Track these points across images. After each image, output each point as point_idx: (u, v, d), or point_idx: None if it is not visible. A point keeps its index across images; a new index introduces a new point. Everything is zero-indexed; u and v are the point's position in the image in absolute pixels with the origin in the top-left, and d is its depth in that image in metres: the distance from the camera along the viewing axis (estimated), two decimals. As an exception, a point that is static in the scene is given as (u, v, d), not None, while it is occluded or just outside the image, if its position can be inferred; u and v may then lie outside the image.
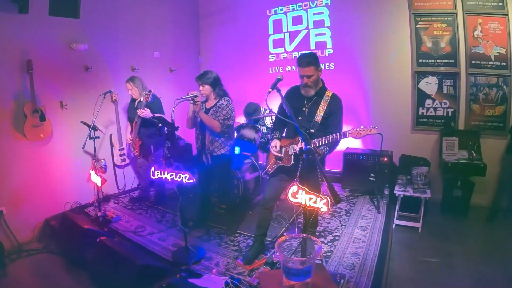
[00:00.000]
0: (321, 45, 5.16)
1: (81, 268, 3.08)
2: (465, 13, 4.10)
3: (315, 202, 1.80)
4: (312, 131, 2.55)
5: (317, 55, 5.01)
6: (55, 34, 3.93)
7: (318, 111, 2.58)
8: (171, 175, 2.66)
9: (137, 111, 3.77)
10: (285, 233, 3.40)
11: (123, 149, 4.62)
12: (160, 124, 3.03)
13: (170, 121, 2.89)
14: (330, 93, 2.64)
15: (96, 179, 3.70)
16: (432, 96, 4.46)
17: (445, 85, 4.36)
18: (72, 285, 2.96)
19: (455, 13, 4.18)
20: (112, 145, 4.62)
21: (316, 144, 2.41)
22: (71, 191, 4.21)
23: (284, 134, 2.88)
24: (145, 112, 3.73)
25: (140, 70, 4.95)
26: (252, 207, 4.06)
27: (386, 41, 4.67)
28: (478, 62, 4.15)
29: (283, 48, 5.52)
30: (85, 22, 4.17)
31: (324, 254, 2.96)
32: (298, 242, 1.96)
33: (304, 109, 2.66)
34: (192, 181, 2.58)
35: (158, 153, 4.06)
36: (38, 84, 3.69)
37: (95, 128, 3.76)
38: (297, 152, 2.48)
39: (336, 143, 2.54)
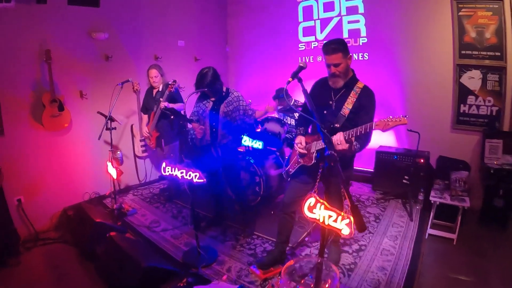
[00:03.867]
0: (354, 34, 4.67)
1: (92, 261, 2.94)
2: (514, 0, 3.50)
3: (335, 220, 1.44)
4: (337, 125, 2.17)
5: (350, 43, 4.70)
6: (74, 23, 3.77)
7: (346, 104, 2.19)
8: (181, 172, 2.39)
9: (161, 103, 3.54)
10: (306, 238, 3.05)
11: (144, 139, 4.42)
12: (172, 117, 2.75)
13: (183, 113, 2.60)
14: (362, 85, 2.24)
15: (112, 171, 3.53)
16: (475, 92, 3.89)
17: (489, 80, 3.78)
18: (82, 278, 2.83)
19: (502, 0, 3.57)
20: (133, 135, 4.43)
21: (345, 137, 2.01)
22: (91, 182, 4.09)
23: (310, 130, 2.53)
24: (166, 104, 3.50)
25: (163, 59, 4.73)
26: (274, 206, 3.73)
27: (425, 30, 4.12)
28: (527, 56, 3.56)
29: (314, 36, 5.07)
30: (105, 10, 3.98)
31: (347, 266, 2.60)
32: (311, 267, 1.60)
33: (330, 102, 2.28)
34: (202, 181, 2.29)
35: (174, 144, 3.83)
36: (57, 74, 3.57)
37: (111, 119, 3.56)
38: (322, 152, 2.13)
39: (366, 139, 2.15)
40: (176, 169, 2.41)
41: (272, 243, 2.95)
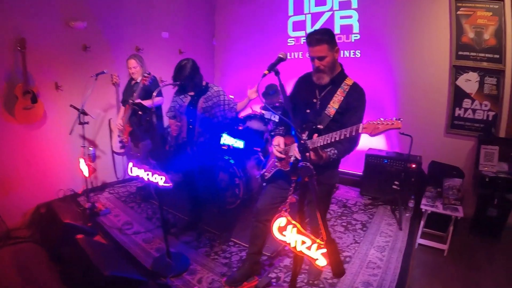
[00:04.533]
0: (346, 29, 4.40)
1: (59, 264, 2.68)
2: (515, 1, 3.29)
3: (309, 248, 1.18)
4: (320, 126, 1.87)
5: (341, 40, 4.41)
6: (51, 11, 3.46)
7: (331, 103, 1.91)
8: (147, 174, 2.13)
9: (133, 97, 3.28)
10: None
11: (121, 134, 4.14)
12: (140, 112, 2.46)
13: (152, 108, 2.31)
14: (351, 82, 1.97)
15: (84, 168, 3.26)
16: (472, 96, 3.65)
17: (487, 83, 3.54)
18: (50, 282, 2.58)
19: (503, 1, 3.34)
20: (111, 130, 4.14)
21: (319, 143, 1.74)
22: (66, 178, 3.80)
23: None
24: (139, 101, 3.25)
25: (145, 51, 4.42)
26: None
27: (421, 28, 3.87)
28: (526, 60, 3.34)
29: (304, 31, 4.80)
30: (85, -2, 3.68)
31: (330, 281, 2.36)
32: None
33: (315, 100, 2.00)
34: (168, 185, 2.03)
35: (147, 142, 3.56)
36: (31, 64, 3.29)
37: (84, 113, 3.28)
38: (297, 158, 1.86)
39: (351, 145, 1.89)
40: (143, 170, 2.15)
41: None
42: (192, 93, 2.71)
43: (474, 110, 3.67)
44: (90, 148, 3.35)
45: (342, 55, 4.36)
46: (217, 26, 5.84)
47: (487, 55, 3.50)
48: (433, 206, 3.14)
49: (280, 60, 1.68)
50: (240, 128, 3.82)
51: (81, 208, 3.45)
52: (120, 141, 3.96)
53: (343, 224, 3.31)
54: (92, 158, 3.37)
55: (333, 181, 2.16)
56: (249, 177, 3.44)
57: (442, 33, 3.73)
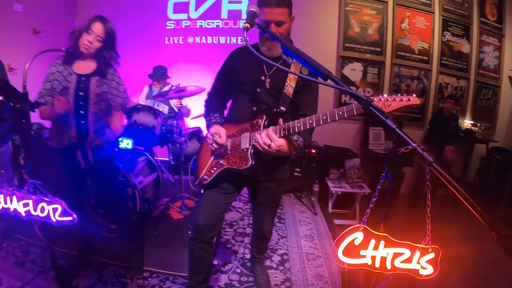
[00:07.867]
0: (235, 15, 4.04)
1: None
2: (396, 4, 3.85)
3: (409, 260, 0.84)
4: (282, 108, 1.48)
5: (229, 25, 3.94)
6: None
7: (288, 80, 1.52)
8: (26, 204, 1.24)
9: None
10: (215, 261, 2.25)
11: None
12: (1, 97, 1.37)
13: (22, 91, 1.36)
14: None
15: None
16: (356, 84, 3.96)
17: (369, 73, 3.92)
18: None
19: (386, 2, 3.85)
20: None
21: (295, 127, 1.31)
22: None
23: (224, 117, 1.69)
24: None
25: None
26: (156, 224, 2.68)
27: (312, 19, 3.90)
28: (403, 54, 3.91)
29: (187, 14, 4.20)
30: None
31: (283, 286, 2.02)
32: None
33: (263, 78, 1.55)
34: (69, 219, 1.22)
35: (2, 151, 2.34)
36: None
37: None
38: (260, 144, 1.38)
39: (311, 131, 1.57)
40: (15, 198, 1.25)
41: (174, 278, 2.03)
42: (82, 72, 1.75)
43: (358, 97, 4.00)
44: None
45: (229, 42, 4.02)
46: (79, 3, 4.50)
47: (370, 48, 3.85)
48: (341, 187, 3.24)
49: (254, 14, 1.17)
50: (125, 123, 2.89)
51: None
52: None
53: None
54: None
55: (286, 175, 1.80)
56: (144, 185, 2.64)
57: (331, 25, 3.86)
